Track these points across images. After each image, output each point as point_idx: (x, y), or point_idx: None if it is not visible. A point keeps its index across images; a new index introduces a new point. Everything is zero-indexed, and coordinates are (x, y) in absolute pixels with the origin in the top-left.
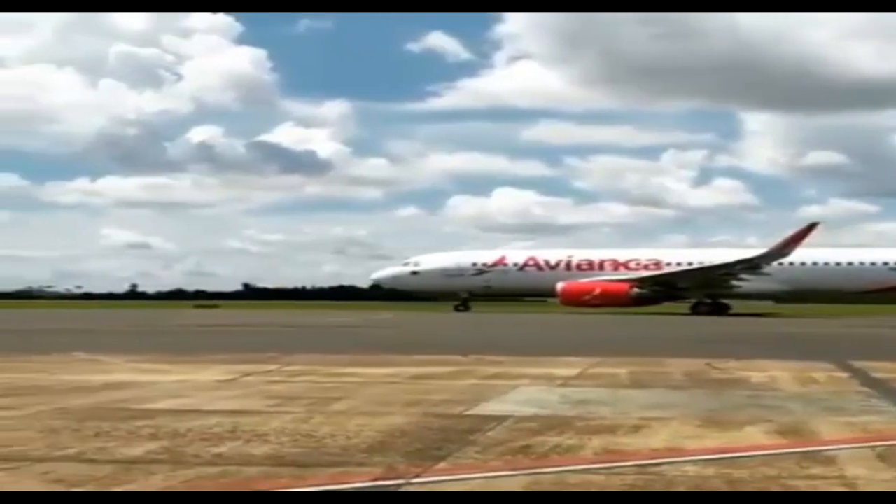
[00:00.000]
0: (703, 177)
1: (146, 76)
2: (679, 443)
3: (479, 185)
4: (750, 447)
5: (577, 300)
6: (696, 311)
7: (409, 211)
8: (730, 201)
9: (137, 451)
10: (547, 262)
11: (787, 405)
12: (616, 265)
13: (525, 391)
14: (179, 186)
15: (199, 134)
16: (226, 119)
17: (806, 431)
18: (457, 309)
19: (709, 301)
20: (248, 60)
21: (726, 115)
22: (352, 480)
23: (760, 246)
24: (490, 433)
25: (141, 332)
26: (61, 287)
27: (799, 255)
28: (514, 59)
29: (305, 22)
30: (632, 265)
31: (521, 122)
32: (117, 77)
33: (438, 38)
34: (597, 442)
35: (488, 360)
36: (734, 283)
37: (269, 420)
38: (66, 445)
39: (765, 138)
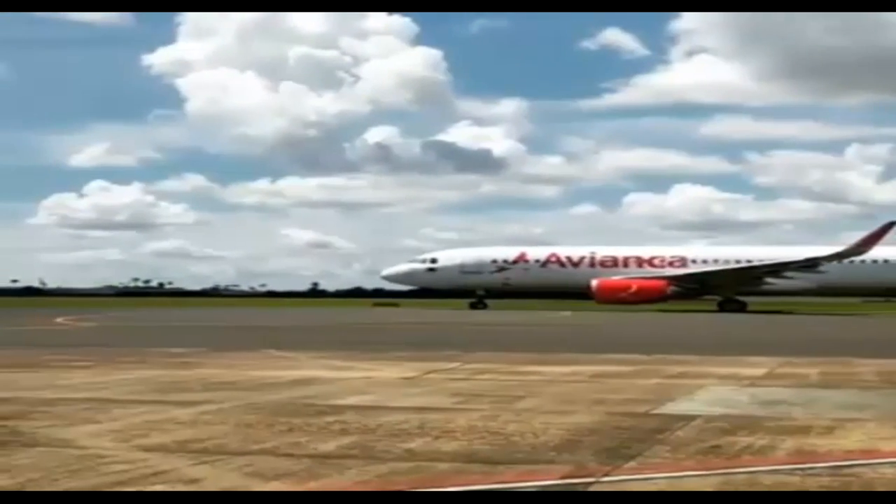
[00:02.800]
0: (890, 171)
1: (325, 78)
2: (874, 444)
3: (657, 181)
4: None
5: (613, 297)
6: (723, 308)
7: (586, 209)
8: None
9: (330, 446)
10: (570, 259)
11: None
12: (640, 262)
13: (713, 391)
14: (357, 186)
15: (376, 134)
16: (402, 119)
17: None
18: (473, 307)
19: (738, 298)
20: (423, 61)
21: None
22: (542, 478)
23: None
24: (679, 433)
25: (324, 330)
26: (246, 285)
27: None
28: (691, 54)
29: (480, 22)
30: (656, 262)
31: (699, 117)
32: (297, 79)
33: (614, 34)
34: (789, 443)
35: (672, 359)
36: (771, 280)
37: (456, 417)
38: (262, 440)
39: None
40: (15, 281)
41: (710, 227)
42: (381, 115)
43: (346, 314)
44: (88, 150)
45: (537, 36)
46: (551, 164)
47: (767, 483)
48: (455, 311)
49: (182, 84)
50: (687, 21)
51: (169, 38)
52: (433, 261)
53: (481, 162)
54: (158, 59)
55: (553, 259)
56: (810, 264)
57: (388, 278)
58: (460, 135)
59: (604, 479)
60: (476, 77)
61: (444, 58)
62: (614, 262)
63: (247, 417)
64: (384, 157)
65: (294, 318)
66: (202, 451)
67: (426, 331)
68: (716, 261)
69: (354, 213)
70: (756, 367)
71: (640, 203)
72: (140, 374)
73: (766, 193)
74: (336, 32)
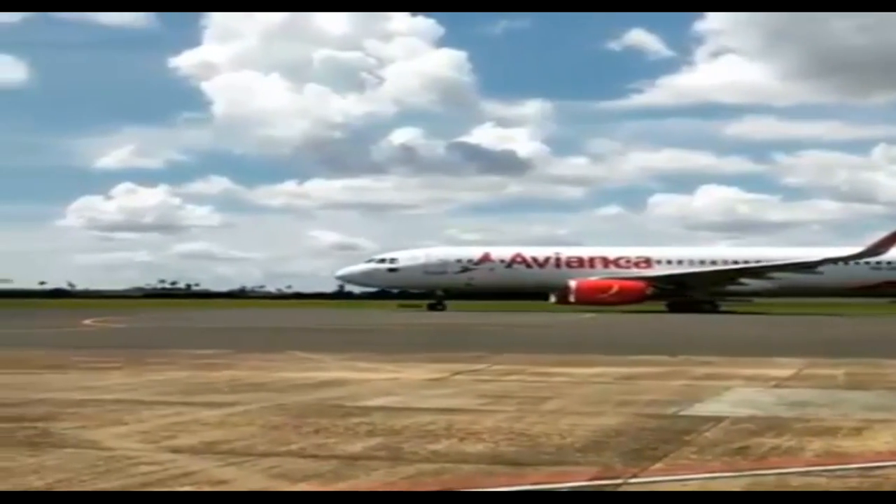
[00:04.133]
0: None
1: (350, 80)
2: None
3: (683, 182)
4: None
5: (594, 297)
6: (697, 309)
7: (611, 210)
8: None
9: (357, 447)
10: (535, 259)
11: None
12: (606, 262)
13: (739, 392)
14: (382, 188)
15: (401, 136)
16: (427, 121)
17: None
18: (432, 308)
19: (710, 300)
20: (448, 62)
21: None
22: (569, 479)
23: None
24: (706, 434)
25: (350, 331)
26: (272, 287)
27: (785, 254)
28: (716, 54)
29: (504, 23)
30: (621, 262)
31: (725, 117)
32: (322, 81)
33: (639, 35)
34: (817, 444)
35: (697, 360)
36: (745, 281)
37: (483, 418)
38: (289, 441)
39: None
40: (43, 283)
41: (737, 227)
42: (405, 116)
43: (371, 316)
44: (115, 153)
45: (562, 37)
46: (576, 165)
47: (795, 484)
48: (478, 313)
49: (207, 87)
50: (712, 22)
51: (194, 41)
52: (393, 261)
53: (506, 163)
54: (184, 62)
55: (519, 259)
56: (804, 266)
57: (344, 279)
58: (485, 136)
59: (631, 480)
60: (500, 78)
61: (469, 59)
62: (580, 263)
63: (274, 419)
64: (409, 159)
65: (320, 319)
66: (229, 453)
67: (452, 332)
68: (680, 262)
69: (380, 214)
70: (782, 367)
71: (665, 204)
72: (168, 376)
73: (793, 194)
74: (360, 34)
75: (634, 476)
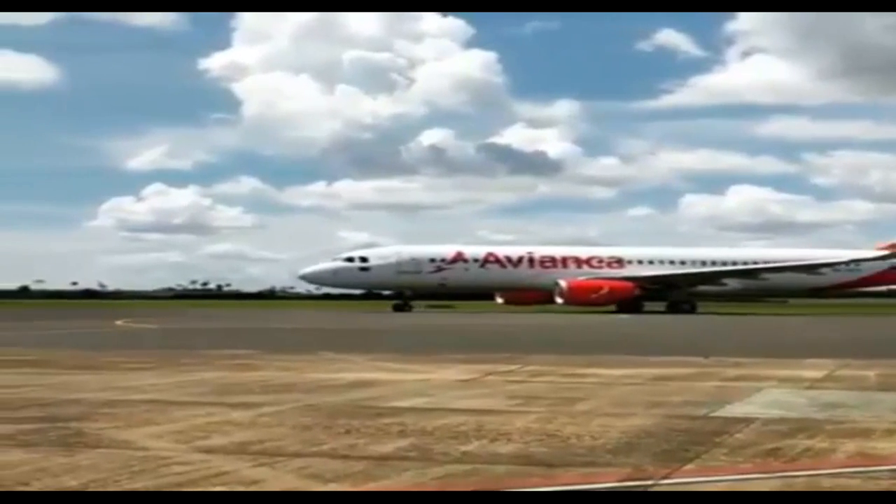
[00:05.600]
0: None
1: (380, 81)
2: None
3: (714, 182)
4: None
5: (586, 298)
6: (676, 310)
7: (642, 210)
8: None
9: (388, 448)
10: (508, 258)
11: None
12: (579, 262)
13: (771, 393)
14: (412, 189)
15: (431, 137)
16: (457, 122)
17: None
18: (398, 309)
19: (689, 301)
20: (478, 63)
21: None
22: (599, 480)
23: None
24: (738, 435)
25: (380, 332)
26: (302, 288)
27: (753, 255)
28: (747, 54)
29: (534, 23)
30: (594, 262)
31: (757, 117)
32: (352, 82)
33: (669, 35)
34: (850, 446)
35: (729, 361)
36: (725, 282)
37: (514, 419)
38: (320, 442)
39: None
40: (75, 283)
41: (768, 228)
42: (435, 117)
43: (401, 316)
44: (146, 154)
45: (592, 37)
46: (607, 165)
47: (827, 486)
48: (506, 314)
49: (238, 88)
50: (743, 21)
51: (224, 43)
52: (364, 259)
53: (536, 164)
54: (214, 64)
55: (492, 258)
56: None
57: (308, 278)
58: (515, 136)
59: (662, 481)
60: (531, 79)
61: (499, 60)
62: (553, 262)
63: (305, 419)
64: (439, 160)
65: (349, 320)
66: (261, 453)
67: (482, 332)
68: (651, 262)
69: (410, 215)
70: (814, 369)
71: (696, 204)
72: (199, 377)
73: (825, 194)
74: (390, 35)
75: (665, 477)
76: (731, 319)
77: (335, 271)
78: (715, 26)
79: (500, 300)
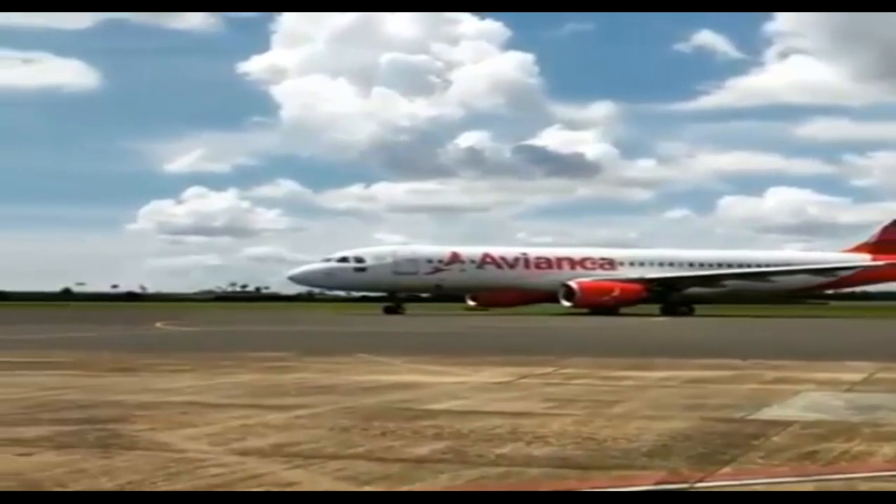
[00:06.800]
0: None
1: (417, 83)
2: None
3: (752, 184)
4: None
5: (598, 300)
6: (673, 312)
7: (680, 212)
8: None
9: (423, 450)
10: (504, 259)
11: None
12: (573, 263)
13: (809, 396)
14: (450, 191)
15: (468, 139)
16: (494, 123)
17: None
18: (389, 311)
19: (686, 303)
20: (515, 65)
21: None
22: (635, 483)
23: None
24: (775, 438)
25: (417, 335)
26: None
27: (734, 256)
28: (785, 55)
29: (571, 25)
30: (587, 264)
31: (795, 119)
32: (389, 85)
33: (707, 36)
34: (888, 449)
35: (768, 364)
36: (725, 283)
37: (549, 422)
38: (355, 444)
39: None
40: (115, 286)
41: (807, 230)
42: (472, 119)
43: (438, 319)
44: (185, 158)
45: (628, 38)
46: (645, 167)
47: (864, 489)
48: (540, 317)
49: (276, 91)
50: (781, 22)
51: (262, 47)
52: (360, 260)
53: (574, 165)
54: (253, 67)
55: (489, 259)
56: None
57: (298, 279)
58: (552, 138)
59: (697, 484)
60: (568, 80)
61: (536, 61)
62: (548, 263)
63: (341, 421)
64: (476, 162)
65: (387, 322)
66: (297, 455)
67: (518, 335)
68: (642, 263)
69: (447, 217)
70: (853, 371)
71: (734, 206)
72: (237, 379)
73: (865, 196)
74: (427, 37)
75: (701, 480)
76: (762, 322)
77: (328, 272)
78: (753, 27)
79: (471, 302)
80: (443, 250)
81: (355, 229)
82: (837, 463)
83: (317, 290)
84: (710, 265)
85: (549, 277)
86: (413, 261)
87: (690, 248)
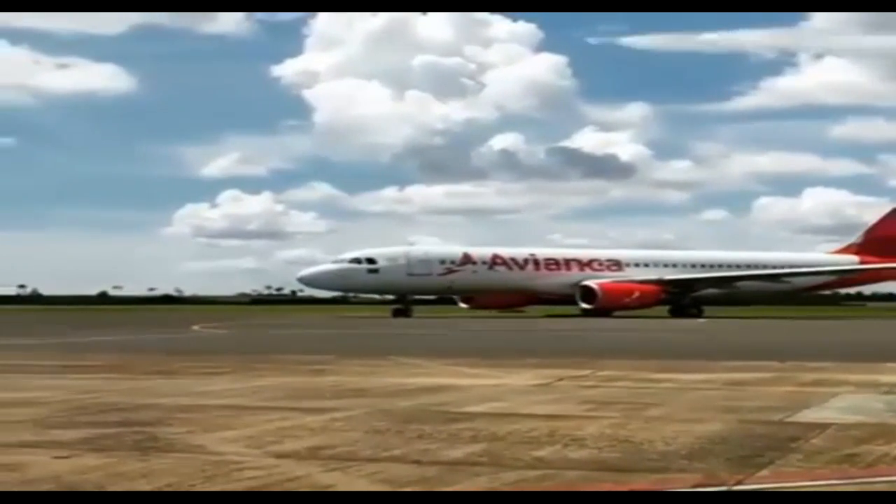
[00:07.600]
0: None
1: (450, 86)
2: None
3: (788, 185)
4: None
5: (619, 302)
6: (683, 314)
7: (716, 213)
8: None
9: (459, 453)
10: (514, 260)
11: None
12: (581, 265)
13: (848, 398)
14: (484, 193)
15: (502, 141)
16: (527, 126)
17: None
18: (398, 314)
19: (696, 305)
20: (548, 67)
21: None
22: (672, 486)
23: None
24: (813, 441)
25: (451, 337)
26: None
27: (734, 257)
28: (820, 56)
29: (604, 26)
30: (595, 265)
31: (831, 119)
32: (422, 88)
33: (741, 36)
34: None
35: (807, 366)
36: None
37: (586, 425)
38: (392, 446)
39: None
40: (152, 289)
41: (845, 231)
42: (506, 121)
43: (473, 322)
44: (220, 161)
45: (662, 40)
46: (679, 168)
47: None
48: (572, 319)
49: (309, 95)
50: (816, 22)
51: (296, 50)
52: (371, 261)
53: (608, 167)
54: (286, 71)
55: (499, 260)
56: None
57: (308, 281)
58: (586, 140)
59: (735, 487)
60: (601, 82)
61: (569, 63)
62: (557, 265)
63: (377, 424)
64: (510, 164)
65: (420, 325)
66: (333, 458)
67: (553, 338)
68: (647, 265)
69: (482, 219)
70: (892, 373)
71: (770, 207)
72: (273, 381)
73: None
74: (460, 40)
75: (739, 483)
76: (799, 323)
77: (340, 273)
78: (787, 28)
79: (462, 304)
80: (454, 251)
81: (390, 232)
82: (877, 465)
83: (351, 294)
84: (712, 266)
85: (558, 279)
86: (426, 262)
87: (700, 249)
